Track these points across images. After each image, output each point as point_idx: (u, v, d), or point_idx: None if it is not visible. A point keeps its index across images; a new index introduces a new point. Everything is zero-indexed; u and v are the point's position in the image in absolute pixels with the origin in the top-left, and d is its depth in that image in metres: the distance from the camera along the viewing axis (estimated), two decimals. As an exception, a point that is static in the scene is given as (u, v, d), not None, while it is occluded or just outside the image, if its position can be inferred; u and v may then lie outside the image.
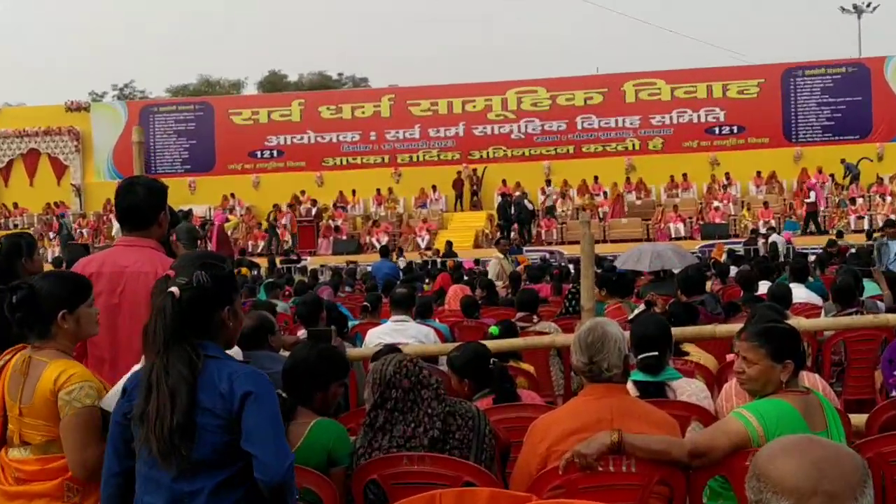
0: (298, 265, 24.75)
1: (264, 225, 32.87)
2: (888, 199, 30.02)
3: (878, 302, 9.05)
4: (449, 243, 26.55)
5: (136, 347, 3.26)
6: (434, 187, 33.85)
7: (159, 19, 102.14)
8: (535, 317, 8.47)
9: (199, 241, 26.39)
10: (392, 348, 5.13)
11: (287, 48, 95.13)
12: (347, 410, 5.41)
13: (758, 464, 1.92)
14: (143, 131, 5.41)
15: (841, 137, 33.13)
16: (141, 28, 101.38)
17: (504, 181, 33.33)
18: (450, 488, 3.33)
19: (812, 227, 28.74)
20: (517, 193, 31.64)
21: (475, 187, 33.72)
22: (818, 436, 3.61)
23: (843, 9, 49.94)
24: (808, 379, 4.50)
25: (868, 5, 49.21)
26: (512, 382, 4.79)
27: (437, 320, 9.49)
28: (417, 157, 35.52)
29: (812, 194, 29.77)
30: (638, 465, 3.47)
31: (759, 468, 1.91)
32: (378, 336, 7.53)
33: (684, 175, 32.58)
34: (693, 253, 18.30)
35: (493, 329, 5.37)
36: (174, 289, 2.88)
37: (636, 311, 8.73)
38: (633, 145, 34.35)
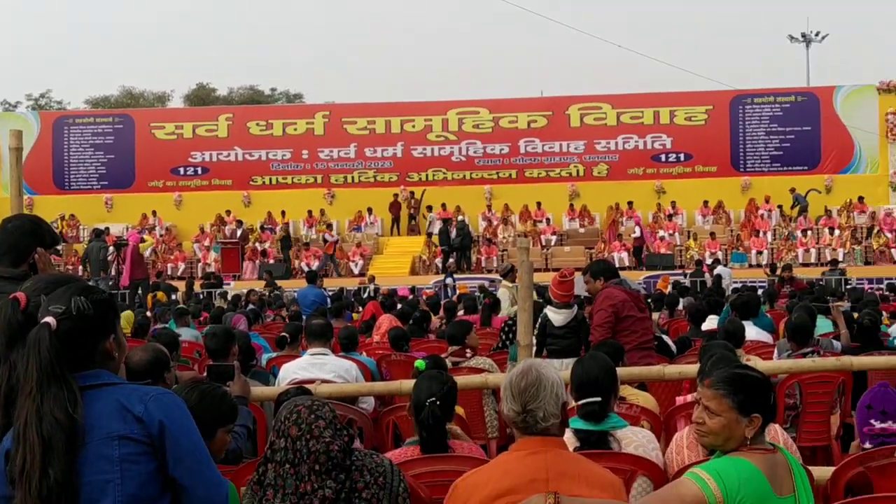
0: (219, 290, 24.07)
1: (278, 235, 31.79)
2: (836, 232, 30.39)
3: (835, 341, 8.87)
4: (371, 277, 26.42)
5: None
6: (370, 210, 33.47)
7: (84, 27, 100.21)
8: (468, 351, 8.10)
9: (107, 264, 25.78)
10: (300, 389, 4.71)
11: (218, 61, 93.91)
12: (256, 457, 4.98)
13: None
14: (21, 135, 4.93)
15: (789, 168, 33.59)
16: (63, 37, 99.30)
17: (444, 205, 33.03)
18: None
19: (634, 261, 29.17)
20: (459, 217, 31.39)
21: (413, 211, 33.42)
22: (785, 501, 3.29)
23: (791, 37, 50.80)
24: (769, 429, 4.18)
25: (817, 34, 50.13)
26: (443, 429, 4.38)
27: (363, 353, 9.15)
28: (352, 177, 35.10)
29: (637, 229, 29.92)
30: (576, 534, 3.09)
31: None
32: (293, 371, 7.12)
33: (630, 203, 32.58)
34: (639, 283, 18.20)
35: (420, 363, 4.99)
36: (50, 319, 2.59)
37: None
38: (578, 171, 34.38)
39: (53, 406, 2.52)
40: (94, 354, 2.69)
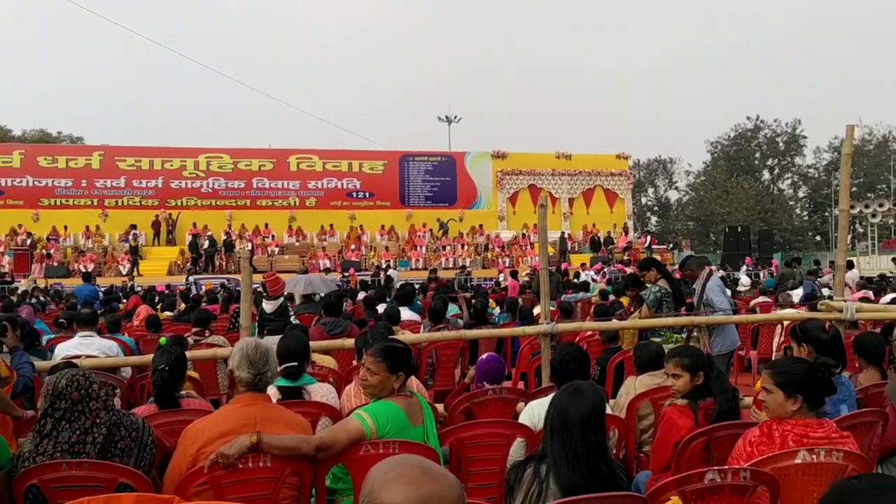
0: (11, 286, 21.30)
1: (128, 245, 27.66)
2: (465, 247, 32.20)
3: (459, 320, 9.37)
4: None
5: None
6: (134, 226, 30.96)
7: None
8: (207, 331, 7.73)
9: None
10: (68, 363, 4.28)
11: (14, 107, 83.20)
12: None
13: (373, 487, 1.49)
14: None
15: (437, 204, 35.09)
16: None
17: (195, 224, 31.29)
18: (101, 493, 2.70)
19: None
20: (208, 233, 29.87)
21: (170, 228, 31.36)
22: (417, 429, 3.44)
23: (439, 118, 53.34)
24: (409, 381, 4.35)
25: (455, 117, 52.85)
26: (172, 388, 4.13)
27: (125, 334, 8.47)
28: (123, 201, 32.30)
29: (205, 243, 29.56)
30: (273, 460, 3.06)
31: (373, 492, 1.48)
32: (66, 349, 6.45)
33: (331, 225, 32.66)
34: (335, 281, 18.20)
35: (163, 340, 4.69)
36: None
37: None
38: (295, 202, 33.89)
39: None
40: None
